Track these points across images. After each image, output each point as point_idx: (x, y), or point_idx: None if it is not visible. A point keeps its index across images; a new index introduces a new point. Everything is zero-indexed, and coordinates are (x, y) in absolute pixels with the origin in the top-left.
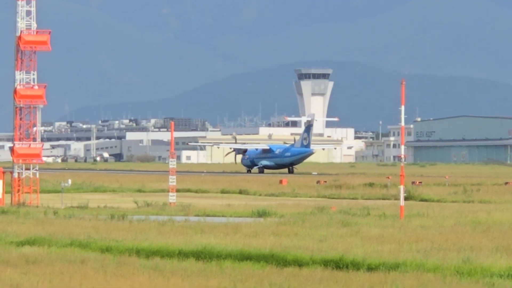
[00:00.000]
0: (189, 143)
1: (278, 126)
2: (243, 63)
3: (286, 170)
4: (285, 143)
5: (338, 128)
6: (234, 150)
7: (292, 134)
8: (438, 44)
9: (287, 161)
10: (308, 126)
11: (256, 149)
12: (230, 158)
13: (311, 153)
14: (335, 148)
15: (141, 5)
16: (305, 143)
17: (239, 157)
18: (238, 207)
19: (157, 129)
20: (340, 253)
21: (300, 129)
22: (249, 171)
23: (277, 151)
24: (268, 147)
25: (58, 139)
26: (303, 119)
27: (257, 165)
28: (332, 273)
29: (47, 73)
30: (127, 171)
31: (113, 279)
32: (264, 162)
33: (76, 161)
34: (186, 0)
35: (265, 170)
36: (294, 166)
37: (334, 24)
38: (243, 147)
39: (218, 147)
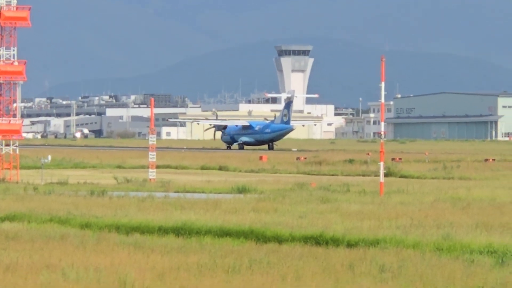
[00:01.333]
0: (169, 120)
1: (258, 102)
2: (223, 40)
3: (266, 146)
4: (265, 119)
5: (318, 104)
6: (214, 126)
7: (272, 110)
8: (419, 21)
9: (267, 138)
10: (288, 103)
11: (236, 126)
12: (210, 135)
13: (291, 130)
14: (315, 125)
15: None
16: (285, 120)
17: (218, 133)
18: (218, 184)
19: (137, 106)
20: (320, 230)
21: (280, 106)
22: (229, 148)
23: (257, 128)
24: (248, 124)
25: (38, 115)
26: (283, 96)
27: (237, 142)
28: (311, 249)
29: (27, 49)
30: (107, 147)
31: (92, 255)
32: (244, 139)
33: (56, 137)
34: None
35: (245, 147)
36: (274, 143)
37: (316, 0)
38: (223, 123)
39: (198, 124)
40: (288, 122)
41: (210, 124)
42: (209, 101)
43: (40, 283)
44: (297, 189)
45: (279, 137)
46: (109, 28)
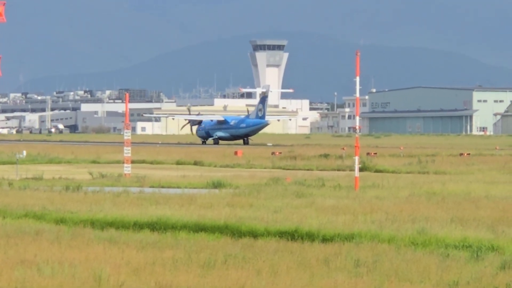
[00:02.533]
0: (143, 115)
1: (233, 97)
2: (198, 34)
3: (241, 141)
4: (239, 115)
5: (293, 99)
6: (189, 121)
7: (247, 105)
8: (393, 14)
9: (242, 132)
10: (263, 98)
11: (211, 120)
12: (186, 130)
13: (266, 125)
14: (290, 120)
15: None
16: (260, 115)
17: (195, 128)
18: (193, 178)
19: (112, 101)
20: (295, 224)
21: (255, 101)
22: (204, 143)
23: (232, 122)
24: (223, 119)
25: (13, 110)
26: (258, 91)
27: (212, 137)
28: (287, 244)
29: (1, 44)
30: (82, 143)
31: (68, 250)
32: (219, 134)
33: (31, 132)
34: None
35: (220, 142)
36: (249, 138)
37: None
38: (198, 118)
39: (173, 119)
40: (263, 117)
41: (186, 120)
42: (184, 96)
43: (15, 278)
44: (272, 184)
45: (254, 132)
46: (84, 23)
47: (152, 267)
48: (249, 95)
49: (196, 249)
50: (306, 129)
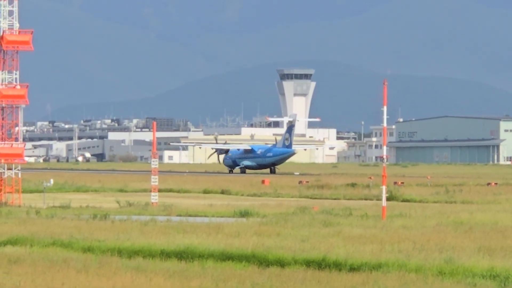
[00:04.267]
0: (171, 143)
1: (260, 126)
2: (225, 63)
3: (268, 170)
4: (266, 143)
5: (320, 128)
6: (216, 150)
7: (274, 134)
8: (420, 44)
9: (269, 161)
10: (290, 127)
11: (238, 149)
12: (213, 159)
13: (292, 154)
14: (317, 149)
15: (123, 5)
16: (286, 143)
17: (213, 156)
18: (220, 207)
19: (139, 129)
20: (322, 253)
21: (282, 130)
22: (231, 171)
23: (259, 151)
24: (250, 147)
25: (40, 139)
26: (285, 120)
27: (239, 165)
28: (314, 273)
29: (29, 73)
30: (109, 171)
31: (95, 279)
32: (246, 162)
33: (58, 161)
34: (168, 0)
35: (247, 171)
36: (276, 166)
37: (317, 23)
38: (225, 147)
39: (200, 147)
40: (290, 146)
41: (213, 149)
42: (211, 125)
43: None
44: (299, 213)
45: (281, 161)
46: (111, 52)
47: None
48: (276, 124)
49: (223, 278)
50: (333, 158)
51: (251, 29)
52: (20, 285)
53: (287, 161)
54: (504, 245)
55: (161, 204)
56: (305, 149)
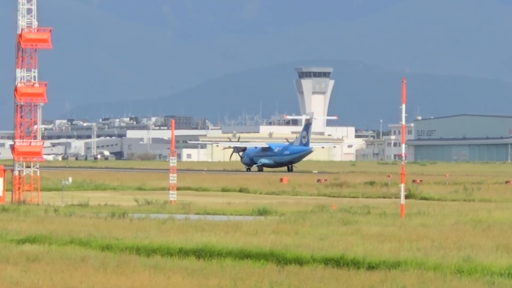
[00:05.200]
0: (188, 141)
1: (279, 124)
2: (243, 61)
3: (285, 168)
4: (286, 140)
5: (339, 126)
6: (234, 148)
7: (293, 132)
8: (439, 43)
9: (286, 160)
10: (307, 125)
11: (255, 148)
12: (235, 157)
13: (310, 152)
14: (334, 147)
15: (141, 3)
16: (304, 142)
17: (235, 155)
18: (238, 206)
19: (157, 127)
20: (341, 252)
21: (301, 128)
22: (248, 170)
23: (276, 150)
24: (267, 146)
25: (58, 137)
26: (303, 117)
27: (256, 163)
28: (332, 271)
29: (47, 71)
30: (128, 169)
31: (113, 277)
32: (263, 161)
33: (76, 159)
34: None
35: (265, 169)
36: (293, 165)
37: (335, 22)
38: (242, 145)
39: (217, 145)
40: (307, 144)
41: (229, 146)
42: (230, 123)
43: None
44: (317, 211)
45: (298, 159)
46: (130, 50)
47: None
48: (295, 122)
49: (241, 277)
50: (351, 156)
51: (269, 28)
52: (38, 283)
53: (305, 159)
54: None
55: (179, 202)
56: (322, 147)
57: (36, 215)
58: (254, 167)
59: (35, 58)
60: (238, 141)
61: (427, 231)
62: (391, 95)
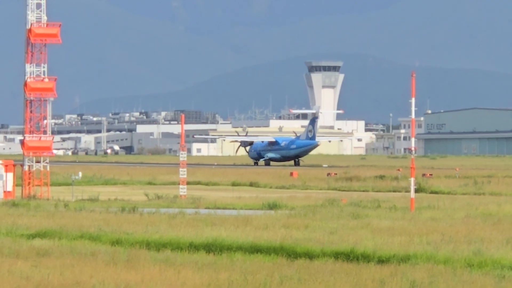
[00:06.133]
0: (194, 136)
1: (289, 118)
2: (253, 56)
3: (292, 162)
4: (294, 133)
5: (349, 120)
6: (240, 142)
7: (302, 126)
8: (448, 36)
9: (292, 154)
10: (313, 119)
11: (262, 142)
12: (242, 151)
13: (316, 146)
14: (341, 140)
15: None
16: (310, 135)
17: (242, 149)
18: (248, 200)
19: (167, 122)
20: (351, 245)
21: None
22: (256, 164)
23: (282, 144)
24: (274, 140)
25: (68, 132)
26: (309, 112)
27: (263, 158)
28: (342, 265)
29: (57, 66)
30: (138, 164)
31: (123, 271)
32: (270, 155)
33: (86, 153)
34: None
35: (274, 163)
36: (300, 158)
37: (344, 16)
38: (248, 139)
39: (224, 140)
40: (313, 138)
41: (236, 141)
42: (240, 117)
43: None
44: (327, 205)
45: (305, 153)
46: (139, 45)
47: None
48: (305, 116)
49: (251, 271)
50: (361, 150)
51: (279, 22)
52: (48, 278)
53: (315, 153)
54: None
55: (189, 196)
56: (329, 141)
57: (46, 210)
58: (261, 161)
59: (44, 53)
60: (246, 135)
61: (437, 225)
62: (401, 89)
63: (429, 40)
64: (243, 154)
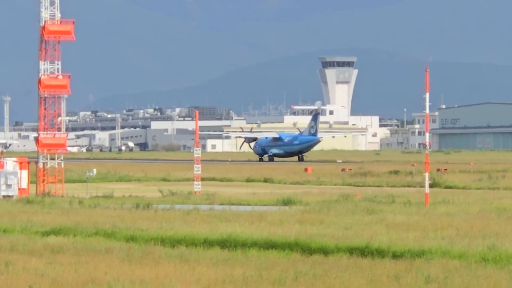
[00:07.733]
0: (201, 132)
1: (303, 114)
2: (267, 51)
3: (296, 158)
4: (298, 129)
5: (363, 116)
6: (245, 138)
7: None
8: (463, 31)
9: (295, 149)
10: (315, 115)
11: (266, 138)
12: (245, 147)
13: (318, 141)
14: (345, 136)
15: None
16: (312, 131)
17: (247, 145)
18: (263, 196)
19: (181, 118)
20: (366, 241)
21: (324, 118)
22: (261, 159)
23: (286, 140)
24: (278, 136)
25: (82, 128)
26: (317, 107)
27: (267, 153)
28: (357, 260)
29: (71, 63)
30: (152, 160)
31: (138, 268)
32: (274, 150)
33: (101, 150)
34: None
35: (275, 158)
36: (304, 154)
37: (358, 11)
38: (252, 135)
39: (229, 136)
40: (315, 134)
41: (240, 136)
42: (254, 113)
43: None
44: (342, 201)
45: (307, 148)
46: (153, 41)
47: (222, 284)
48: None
49: (266, 266)
50: (375, 145)
51: (293, 18)
52: (63, 275)
53: (330, 148)
54: None
55: (204, 193)
56: (333, 137)
57: (60, 207)
58: (265, 157)
59: (58, 50)
60: (250, 131)
61: (451, 220)
62: (415, 84)
63: (441, 34)
64: (245, 151)
